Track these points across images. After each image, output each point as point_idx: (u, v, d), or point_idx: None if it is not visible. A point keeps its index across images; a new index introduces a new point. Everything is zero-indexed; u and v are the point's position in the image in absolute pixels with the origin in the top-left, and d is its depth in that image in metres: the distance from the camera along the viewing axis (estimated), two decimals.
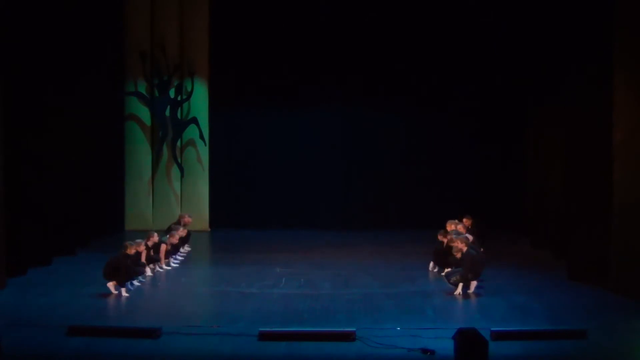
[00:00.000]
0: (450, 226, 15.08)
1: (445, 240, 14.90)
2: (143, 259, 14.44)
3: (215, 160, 21.15)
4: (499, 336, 10.66)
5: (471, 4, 20.39)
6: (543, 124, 17.81)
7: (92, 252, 17.23)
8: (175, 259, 16.25)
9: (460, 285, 13.29)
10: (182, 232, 16.48)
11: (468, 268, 13.28)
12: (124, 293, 13.28)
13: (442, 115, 21.03)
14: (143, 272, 14.33)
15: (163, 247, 15.44)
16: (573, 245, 14.72)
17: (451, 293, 13.29)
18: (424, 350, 10.22)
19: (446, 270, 14.31)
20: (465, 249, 13.44)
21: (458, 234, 14.34)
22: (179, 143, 20.76)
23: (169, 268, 15.72)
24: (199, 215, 19.90)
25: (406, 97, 20.94)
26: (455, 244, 13.73)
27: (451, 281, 13.48)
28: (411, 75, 20.87)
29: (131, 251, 13.86)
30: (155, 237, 15.28)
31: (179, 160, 20.71)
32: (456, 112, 20.92)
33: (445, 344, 10.18)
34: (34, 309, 12.37)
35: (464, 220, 15.65)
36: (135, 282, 14.00)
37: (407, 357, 10.17)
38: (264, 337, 10.81)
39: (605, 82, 13.80)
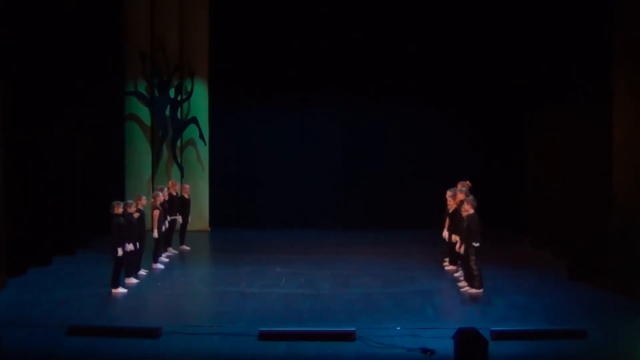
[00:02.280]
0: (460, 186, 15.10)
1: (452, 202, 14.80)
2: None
3: (215, 160, 21.15)
4: (499, 336, 10.67)
5: (471, 5, 20.39)
6: (543, 124, 17.80)
7: (92, 252, 17.23)
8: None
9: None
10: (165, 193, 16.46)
11: (475, 230, 13.26)
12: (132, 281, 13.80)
13: (442, 115, 21.02)
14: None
15: (156, 212, 15.47)
16: (573, 245, 14.72)
17: (451, 291, 13.33)
18: (424, 350, 10.23)
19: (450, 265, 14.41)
20: (472, 211, 13.40)
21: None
22: (179, 143, 20.76)
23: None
24: (199, 215, 19.89)
25: (406, 98, 20.94)
26: (463, 205, 13.68)
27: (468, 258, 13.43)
28: (411, 75, 20.86)
29: (132, 209, 14.12)
30: (144, 200, 15.32)
31: (179, 160, 20.71)
32: (456, 112, 20.91)
33: (445, 344, 10.18)
34: (34, 309, 12.38)
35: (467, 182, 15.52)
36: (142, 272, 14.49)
37: (407, 356, 10.17)
38: (264, 336, 10.81)
39: (605, 83, 13.80)
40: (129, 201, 14.60)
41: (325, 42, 20.82)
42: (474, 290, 13.37)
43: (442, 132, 21.08)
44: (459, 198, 14.45)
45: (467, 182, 15.33)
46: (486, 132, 20.81)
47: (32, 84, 15.42)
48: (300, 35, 20.86)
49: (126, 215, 13.94)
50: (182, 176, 20.52)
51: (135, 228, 14.05)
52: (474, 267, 13.33)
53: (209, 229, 20.72)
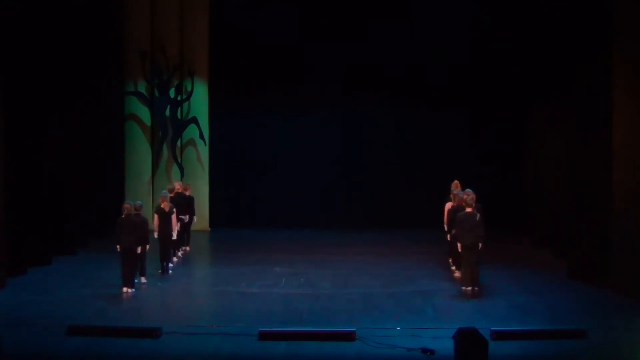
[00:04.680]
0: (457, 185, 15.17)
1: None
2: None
3: (215, 160, 21.15)
4: (499, 336, 10.68)
5: (472, 5, 20.38)
6: (543, 124, 17.80)
7: (92, 252, 17.24)
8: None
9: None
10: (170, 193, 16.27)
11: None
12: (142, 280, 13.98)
13: (443, 115, 21.03)
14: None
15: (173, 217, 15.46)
16: (573, 245, 14.72)
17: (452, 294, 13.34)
18: (424, 350, 10.23)
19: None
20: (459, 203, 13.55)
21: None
22: (179, 143, 20.76)
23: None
24: (199, 215, 19.86)
25: (407, 98, 20.96)
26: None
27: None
28: (412, 76, 20.87)
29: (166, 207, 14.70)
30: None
31: (179, 160, 20.71)
32: (456, 112, 20.93)
33: (445, 344, 10.18)
34: (34, 309, 12.38)
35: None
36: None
37: (407, 357, 10.17)
38: (264, 336, 10.82)
39: (605, 84, 13.81)
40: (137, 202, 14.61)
41: (325, 42, 20.82)
42: (457, 274, 13.49)
43: (442, 132, 21.08)
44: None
45: (456, 181, 15.40)
46: (486, 132, 20.81)
47: (32, 84, 15.41)
48: (300, 35, 20.86)
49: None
50: (182, 176, 20.52)
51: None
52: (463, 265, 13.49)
53: (209, 229, 20.72)
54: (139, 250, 13.69)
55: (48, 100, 16.13)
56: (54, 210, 16.40)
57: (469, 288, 13.29)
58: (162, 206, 15.14)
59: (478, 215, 13.37)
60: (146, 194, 20.49)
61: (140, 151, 20.53)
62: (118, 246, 13.68)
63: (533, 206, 18.39)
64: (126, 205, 13.85)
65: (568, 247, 15.07)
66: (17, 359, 10.12)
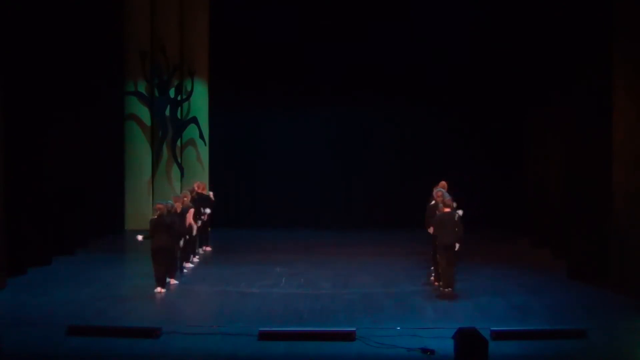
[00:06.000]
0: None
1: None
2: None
3: (215, 160, 21.16)
4: (499, 336, 10.67)
5: (472, 4, 20.39)
6: (544, 124, 17.80)
7: (92, 252, 17.23)
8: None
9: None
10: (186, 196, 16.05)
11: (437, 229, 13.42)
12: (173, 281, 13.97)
13: (443, 116, 21.03)
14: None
15: (191, 211, 15.34)
16: (573, 245, 14.72)
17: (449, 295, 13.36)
18: (424, 350, 10.23)
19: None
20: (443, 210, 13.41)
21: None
22: (178, 143, 20.77)
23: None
24: None
25: (407, 99, 20.97)
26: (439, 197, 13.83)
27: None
28: (412, 76, 20.88)
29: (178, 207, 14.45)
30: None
31: (179, 160, 20.71)
32: (456, 112, 20.94)
33: (445, 344, 10.18)
34: (34, 309, 12.37)
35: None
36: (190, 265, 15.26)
37: (407, 357, 10.17)
38: (264, 336, 10.81)
39: (605, 84, 13.81)
40: (169, 201, 14.55)
41: (325, 42, 20.83)
42: (445, 290, 13.33)
43: (442, 132, 21.09)
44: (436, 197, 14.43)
45: (443, 182, 15.41)
46: (486, 132, 20.82)
47: (32, 84, 15.41)
48: (300, 35, 20.87)
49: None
50: (182, 176, 20.54)
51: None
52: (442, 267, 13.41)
53: (209, 229, 20.68)
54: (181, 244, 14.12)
55: (48, 100, 16.13)
56: (54, 210, 16.40)
57: (449, 289, 13.23)
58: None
59: (457, 214, 13.34)
60: (146, 194, 20.52)
61: (140, 151, 20.54)
62: (151, 246, 13.66)
63: (533, 206, 18.39)
64: (159, 206, 13.77)
65: (568, 247, 15.07)
66: (17, 359, 10.12)
